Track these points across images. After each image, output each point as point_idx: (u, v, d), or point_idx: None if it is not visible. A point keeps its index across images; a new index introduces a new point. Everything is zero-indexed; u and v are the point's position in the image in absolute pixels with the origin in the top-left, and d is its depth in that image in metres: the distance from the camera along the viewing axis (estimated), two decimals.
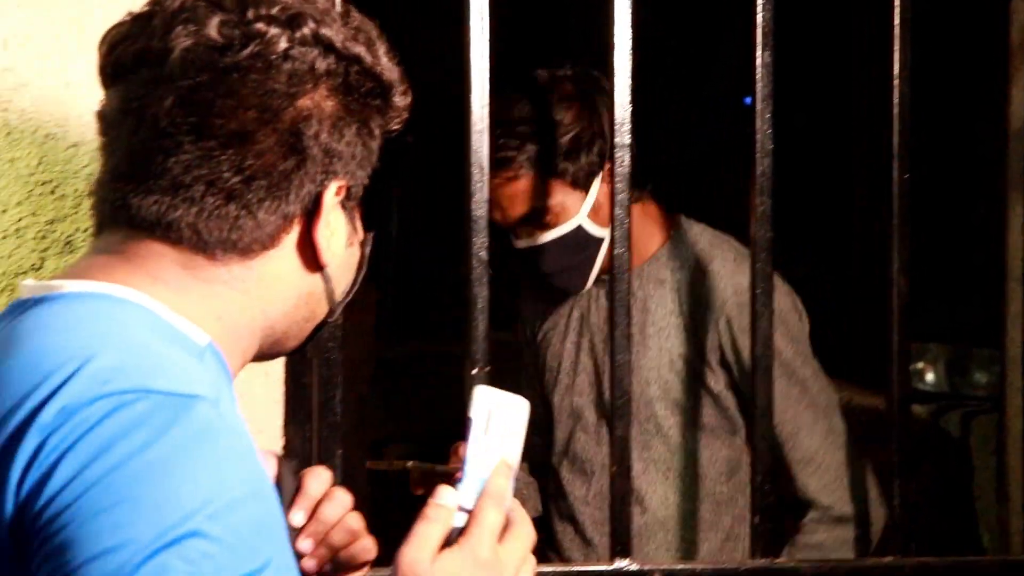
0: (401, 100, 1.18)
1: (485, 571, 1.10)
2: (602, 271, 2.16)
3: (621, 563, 1.75)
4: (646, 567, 1.76)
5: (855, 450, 2.14)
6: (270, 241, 1.13)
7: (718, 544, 2.19)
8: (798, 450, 2.14)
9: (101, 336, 1.03)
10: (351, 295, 1.24)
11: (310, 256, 1.15)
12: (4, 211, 1.59)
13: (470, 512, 1.11)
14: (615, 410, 1.76)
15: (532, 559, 1.14)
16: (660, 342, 2.20)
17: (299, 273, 1.15)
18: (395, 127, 1.21)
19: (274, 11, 1.11)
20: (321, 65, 1.11)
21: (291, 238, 1.13)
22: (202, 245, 1.11)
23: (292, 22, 1.11)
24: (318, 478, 1.24)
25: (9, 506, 0.95)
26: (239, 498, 0.96)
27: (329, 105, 1.13)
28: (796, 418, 2.12)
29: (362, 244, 1.22)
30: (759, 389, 1.79)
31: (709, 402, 2.19)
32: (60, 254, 1.61)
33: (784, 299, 2.15)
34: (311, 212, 1.13)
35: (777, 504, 1.80)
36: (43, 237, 1.60)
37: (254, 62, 1.09)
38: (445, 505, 1.11)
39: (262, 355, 1.20)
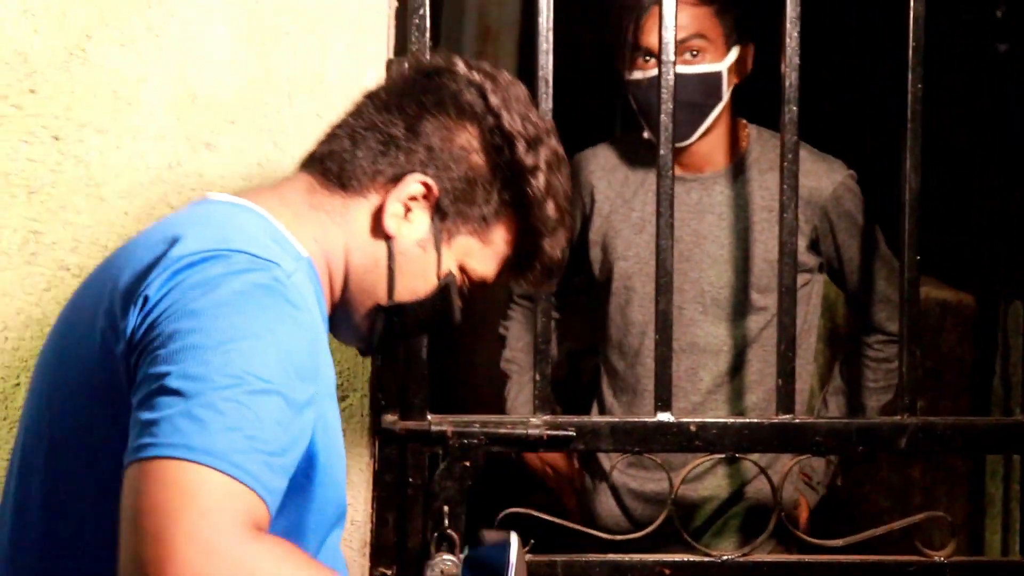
0: (535, 184, 1.51)
1: None
2: (708, 130, 2.48)
3: (662, 416, 2.06)
4: (682, 419, 2.07)
5: None
6: (361, 185, 1.48)
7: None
8: (875, 293, 2.56)
9: (218, 222, 1.42)
10: (421, 311, 1.51)
11: (382, 222, 1.48)
12: None
13: None
14: (658, 287, 2.08)
15: None
16: (754, 234, 2.52)
17: (372, 230, 1.49)
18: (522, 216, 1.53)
19: (481, 67, 1.54)
20: (472, 100, 1.50)
21: (376, 198, 1.49)
22: (323, 172, 1.50)
23: (472, 69, 1.53)
24: None
25: (134, 319, 1.32)
26: (292, 330, 1.30)
27: (462, 132, 1.50)
28: (875, 272, 2.54)
29: (440, 273, 1.51)
30: (784, 270, 2.08)
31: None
32: None
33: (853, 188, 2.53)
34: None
35: (794, 368, 2.09)
36: None
37: (436, 74, 1.52)
38: None
39: (342, 302, 1.51)
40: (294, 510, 1.38)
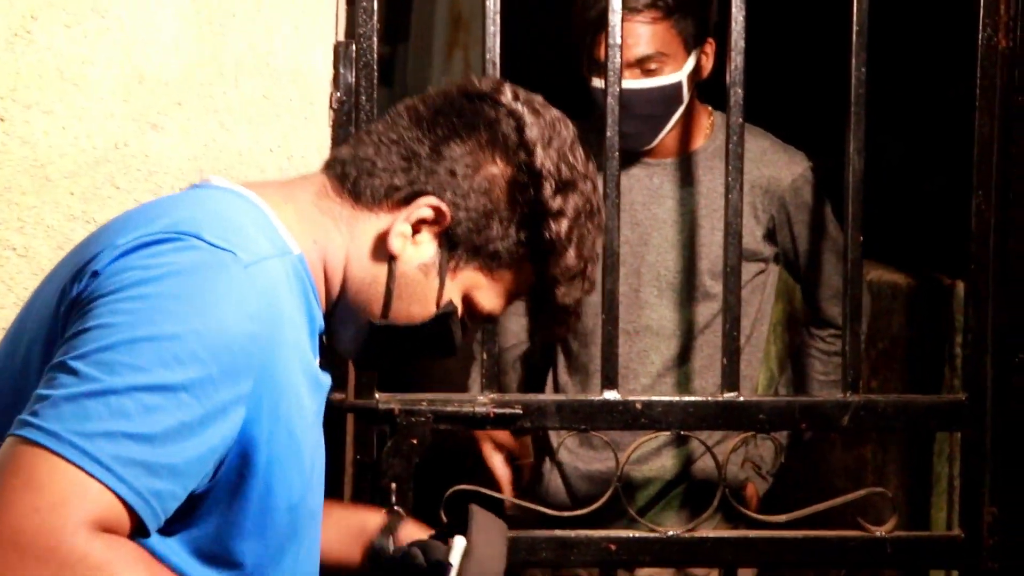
0: (555, 226, 1.43)
1: None
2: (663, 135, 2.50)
3: (608, 394, 2.09)
4: (628, 398, 2.10)
5: None
6: (374, 199, 1.42)
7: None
8: (828, 287, 2.59)
9: (196, 205, 1.38)
10: (416, 337, 1.44)
11: (387, 240, 1.42)
12: None
13: None
14: (605, 267, 2.10)
15: None
16: (712, 222, 2.54)
17: (376, 246, 1.42)
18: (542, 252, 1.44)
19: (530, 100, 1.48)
20: (507, 132, 1.43)
21: (386, 215, 1.43)
22: (340, 176, 1.45)
23: (518, 99, 1.47)
24: None
25: (76, 289, 1.29)
26: (225, 323, 1.25)
27: (489, 163, 1.43)
28: (829, 264, 2.57)
29: (440, 302, 1.44)
30: (728, 250, 2.11)
31: (747, 269, 2.53)
32: None
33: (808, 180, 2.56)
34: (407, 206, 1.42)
35: (739, 347, 2.12)
36: None
37: (478, 97, 1.46)
38: None
39: (337, 309, 1.45)
40: (225, 508, 1.32)
